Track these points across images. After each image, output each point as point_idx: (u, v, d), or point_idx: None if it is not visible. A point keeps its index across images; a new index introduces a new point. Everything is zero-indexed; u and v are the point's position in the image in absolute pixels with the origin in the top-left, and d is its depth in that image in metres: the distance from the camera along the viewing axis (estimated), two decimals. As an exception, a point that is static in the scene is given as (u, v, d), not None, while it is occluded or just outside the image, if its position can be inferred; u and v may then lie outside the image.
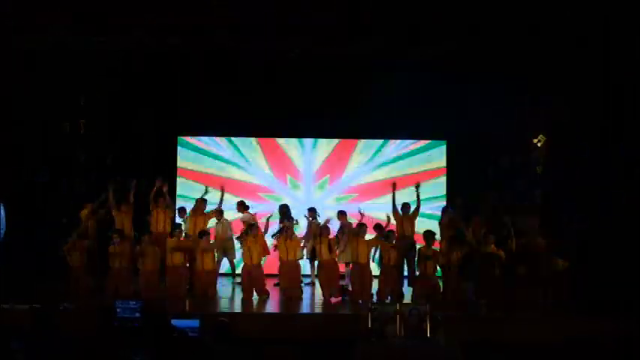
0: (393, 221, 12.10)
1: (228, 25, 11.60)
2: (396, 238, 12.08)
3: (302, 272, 12.33)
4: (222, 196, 12.83)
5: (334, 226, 12.63)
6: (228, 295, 12.19)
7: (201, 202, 12.72)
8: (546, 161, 14.01)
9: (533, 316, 10.76)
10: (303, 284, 12.41)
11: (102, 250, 12.07)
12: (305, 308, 11.30)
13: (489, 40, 12.17)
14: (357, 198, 14.41)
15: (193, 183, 14.25)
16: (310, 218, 12.89)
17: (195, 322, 9.14)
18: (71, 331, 8.21)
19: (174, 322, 8.86)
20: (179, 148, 14.60)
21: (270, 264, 12.75)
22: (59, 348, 7.40)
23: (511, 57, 12.62)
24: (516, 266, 11.48)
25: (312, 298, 12.01)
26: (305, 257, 12.69)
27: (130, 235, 12.31)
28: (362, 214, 12.16)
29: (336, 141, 14.65)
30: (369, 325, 9.31)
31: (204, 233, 12.09)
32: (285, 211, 12.89)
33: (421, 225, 12.70)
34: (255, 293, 11.63)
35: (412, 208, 12.53)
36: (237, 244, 12.83)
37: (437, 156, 14.58)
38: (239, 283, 12.55)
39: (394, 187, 12.52)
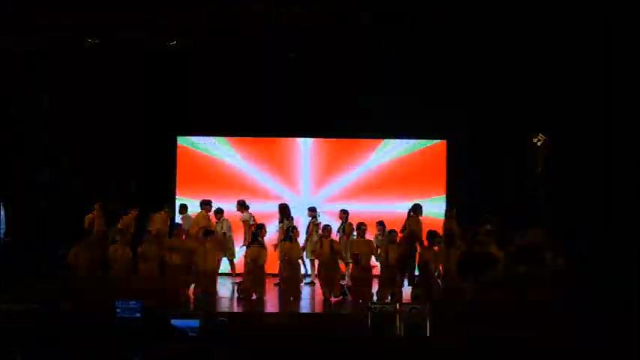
0: None
1: (227, 25, 11.59)
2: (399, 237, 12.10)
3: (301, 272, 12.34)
4: None
5: (334, 226, 12.66)
6: (228, 295, 12.17)
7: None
8: (546, 161, 14.00)
9: (533, 315, 10.77)
10: (303, 284, 12.40)
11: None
12: (305, 308, 11.29)
13: (489, 40, 12.18)
14: (357, 198, 14.42)
15: (192, 182, 14.23)
16: (310, 218, 12.91)
17: (195, 322, 9.15)
18: (71, 331, 8.20)
19: (174, 322, 8.88)
20: (178, 147, 14.57)
21: (271, 264, 12.74)
22: (59, 348, 7.40)
23: (511, 57, 12.62)
24: (516, 266, 11.46)
25: (312, 298, 11.99)
26: (305, 257, 12.69)
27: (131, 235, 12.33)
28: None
29: (335, 141, 14.64)
30: (369, 325, 9.33)
31: (209, 233, 12.08)
32: (284, 210, 12.89)
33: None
34: (255, 293, 11.61)
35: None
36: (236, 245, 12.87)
37: (437, 156, 14.56)
38: (239, 283, 12.57)
39: None
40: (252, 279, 11.66)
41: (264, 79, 13.69)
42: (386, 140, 14.58)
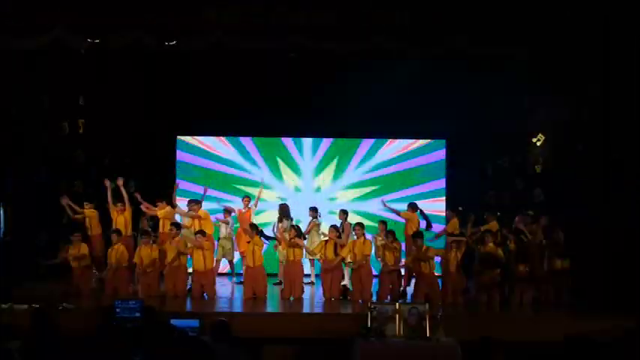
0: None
1: (226, 25, 11.58)
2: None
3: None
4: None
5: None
6: (228, 295, 12.18)
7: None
8: (546, 161, 14.02)
9: (532, 315, 10.78)
10: (303, 284, 12.39)
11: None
12: (305, 308, 11.28)
13: (489, 39, 12.15)
14: (357, 198, 14.44)
15: (192, 182, 14.24)
16: (311, 217, 12.91)
17: (195, 322, 9.17)
18: (71, 331, 8.20)
19: (174, 321, 8.89)
20: (178, 147, 14.56)
21: (271, 264, 12.74)
22: (58, 348, 7.39)
23: (511, 57, 12.61)
24: (516, 266, 11.47)
25: (312, 298, 11.99)
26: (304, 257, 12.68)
27: (129, 235, 12.33)
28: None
29: (335, 140, 14.63)
30: (369, 325, 9.33)
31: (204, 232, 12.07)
32: (284, 210, 12.89)
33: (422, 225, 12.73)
34: (255, 293, 11.61)
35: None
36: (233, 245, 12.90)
37: (436, 155, 14.57)
38: (239, 283, 12.57)
39: None
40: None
41: (264, 79, 13.68)
42: (386, 140, 14.59)
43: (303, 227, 12.75)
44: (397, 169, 14.54)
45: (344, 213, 13.00)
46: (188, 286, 11.78)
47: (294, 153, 14.65)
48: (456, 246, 11.61)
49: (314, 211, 13.02)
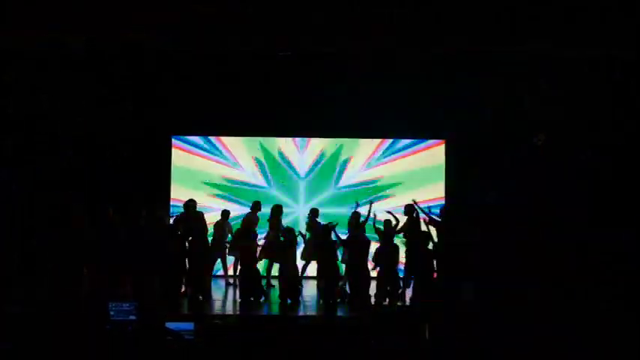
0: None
1: (225, 24, 11.57)
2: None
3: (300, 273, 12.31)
4: None
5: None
6: (222, 297, 12.16)
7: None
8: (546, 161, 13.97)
9: (532, 314, 10.75)
10: (301, 285, 12.37)
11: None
12: (303, 309, 11.27)
13: (489, 39, 12.13)
14: (356, 198, 14.39)
15: (187, 183, 14.21)
16: (309, 219, 12.87)
17: (189, 325, 9.11)
18: (65, 333, 8.19)
19: (168, 324, 8.84)
20: (173, 147, 14.50)
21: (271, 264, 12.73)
22: (53, 349, 7.39)
23: (511, 56, 12.59)
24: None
25: (310, 300, 11.97)
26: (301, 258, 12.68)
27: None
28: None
29: (334, 140, 14.58)
30: (367, 325, 9.31)
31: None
32: (277, 211, 12.82)
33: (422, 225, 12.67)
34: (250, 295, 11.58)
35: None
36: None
37: (436, 155, 14.51)
38: (234, 285, 12.56)
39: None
40: None
41: (261, 79, 13.64)
42: (386, 140, 14.54)
43: (302, 228, 12.74)
44: (397, 169, 14.48)
45: (313, 212, 12.93)
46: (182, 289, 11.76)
47: (290, 152, 14.56)
48: None
49: (314, 212, 12.95)
